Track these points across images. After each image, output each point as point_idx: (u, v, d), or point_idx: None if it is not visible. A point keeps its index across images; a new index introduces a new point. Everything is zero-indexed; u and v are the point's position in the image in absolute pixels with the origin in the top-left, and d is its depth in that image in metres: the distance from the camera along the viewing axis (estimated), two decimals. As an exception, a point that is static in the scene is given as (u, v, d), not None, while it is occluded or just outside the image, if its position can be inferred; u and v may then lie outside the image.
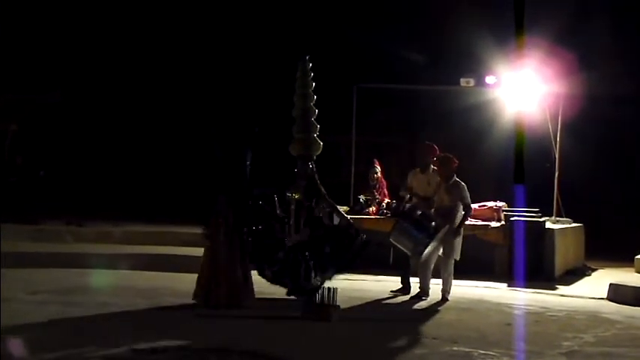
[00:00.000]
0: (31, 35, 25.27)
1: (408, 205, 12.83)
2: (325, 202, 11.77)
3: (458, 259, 12.44)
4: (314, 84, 12.13)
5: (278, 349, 8.43)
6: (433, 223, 12.06)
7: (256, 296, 11.47)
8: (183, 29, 26.65)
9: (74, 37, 25.99)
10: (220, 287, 11.09)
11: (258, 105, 24.61)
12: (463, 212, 12.41)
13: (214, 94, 25.92)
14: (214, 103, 25.77)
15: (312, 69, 12.16)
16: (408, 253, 12.34)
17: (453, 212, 12.32)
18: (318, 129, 12.08)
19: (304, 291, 11.38)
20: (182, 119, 26.08)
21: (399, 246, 12.33)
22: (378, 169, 16.47)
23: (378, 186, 16.49)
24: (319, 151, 12.08)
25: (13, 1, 23.85)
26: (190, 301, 11.26)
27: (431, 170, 12.98)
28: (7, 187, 18.27)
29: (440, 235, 12.06)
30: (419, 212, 12.20)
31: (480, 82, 17.81)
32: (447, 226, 12.14)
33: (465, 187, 12.45)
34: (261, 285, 11.68)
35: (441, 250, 12.41)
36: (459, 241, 12.41)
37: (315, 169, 11.99)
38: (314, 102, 12.12)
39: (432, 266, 12.49)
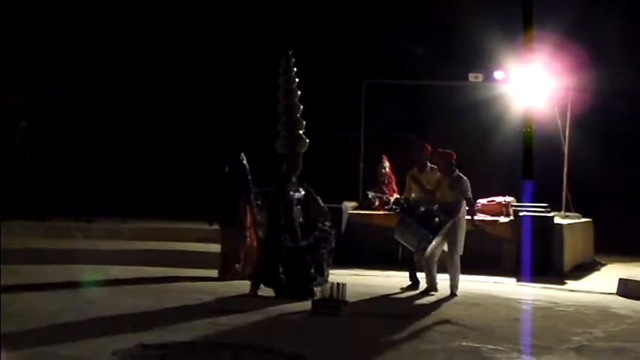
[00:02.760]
0: (43, 33, 25.36)
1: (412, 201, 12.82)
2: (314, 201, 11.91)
3: (461, 253, 12.42)
4: (297, 80, 12.09)
5: (288, 345, 8.44)
6: (437, 219, 12.06)
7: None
8: (192, 26, 26.69)
9: (85, 34, 26.08)
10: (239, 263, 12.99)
11: (267, 100, 24.68)
12: (467, 208, 12.40)
13: (223, 90, 25.96)
14: (223, 100, 25.83)
15: (295, 64, 12.14)
16: (412, 249, 12.34)
17: (456, 207, 12.29)
18: (303, 125, 12.03)
19: (304, 293, 11.37)
20: (191, 115, 26.16)
21: (403, 242, 12.34)
22: (387, 164, 16.46)
23: (386, 181, 16.49)
24: (305, 148, 12.03)
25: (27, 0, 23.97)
26: (198, 296, 11.40)
27: (429, 169, 12.90)
28: (18, 184, 18.33)
29: (443, 230, 12.05)
30: (422, 209, 12.20)
31: (489, 77, 17.81)
32: (451, 222, 12.13)
33: (467, 182, 12.42)
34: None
35: (446, 246, 12.40)
36: (462, 236, 12.39)
37: (300, 166, 12.00)
38: (298, 98, 12.08)
39: (436, 261, 12.48)
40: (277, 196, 11.78)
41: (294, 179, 11.93)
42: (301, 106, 12.08)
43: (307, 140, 12.04)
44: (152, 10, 26.81)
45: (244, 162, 12.67)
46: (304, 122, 12.08)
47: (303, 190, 11.99)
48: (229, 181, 12.91)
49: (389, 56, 25.82)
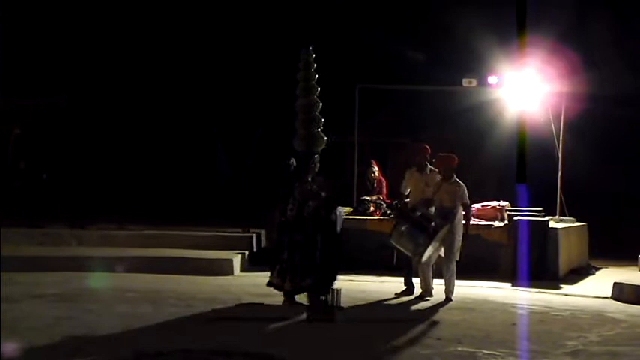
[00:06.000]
0: (36, 39, 25.34)
1: (408, 206, 12.78)
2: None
3: (458, 259, 12.44)
4: (317, 76, 11.64)
5: (283, 351, 8.44)
6: (433, 224, 12.02)
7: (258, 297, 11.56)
8: (186, 31, 26.70)
9: (80, 41, 26.06)
10: None
11: (261, 105, 24.69)
12: (463, 213, 12.43)
13: (217, 96, 25.97)
14: (218, 105, 25.84)
15: (315, 60, 11.66)
16: (409, 255, 12.30)
17: (452, 213, 12.32)
18: (322, 123, 11.60)
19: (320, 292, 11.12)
20: (185, 121, 26.15)
21: (399, 247, 12.31)
22: (376, 169, 16.48)
23: (376, 186, 16.52)
24: (323, 146, 11.62)
25: (20, 5, 23.93)
26: (194, 303, 11.39)
27: (428, 171, 12.85)
28: (12, 191, 18.31)
29: (440, 235, 12.03)
30: (418, 213, 12.17)
31: (483, 82, 17.82)
32: (447, 227, 12.13)
33: (465, 188, 12.44)
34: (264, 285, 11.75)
35: (442, 251, 12.40)
36: (459, 242, 12.41)
37: (317, 166, 11.61)
38: (317, 94, 11.64)
39: (432, 266, 12.50)
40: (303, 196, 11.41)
41: (309, 179, 11.51)
42: (320, 104, 11.60)
43: (325, 138, 11.59)
44: (146, 17, 26.81)
45: (293, 166, 12.31)
46: (322, 120, 11.62)
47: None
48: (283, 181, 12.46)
49: (382, 61, 25.85)
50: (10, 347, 8.03)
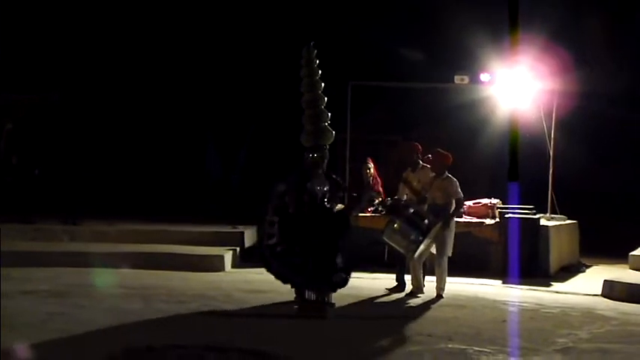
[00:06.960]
0: (30, 35, 25.29)
1: (401, 203, 12.80)
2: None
3: (450, 255, 12.47)
4: (320, 71, 11.63)
5: (275, 347, 8.45)
6: (426, 221, 12.04)
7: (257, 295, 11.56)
8: (179, 29, 26.70)
9: (73, 37, 26.02)
10: None
11: (254, 103, 24.70)
12: (454, 207, 12.47)
13: (209, 93, 25.96)
14: (210, 102, 25.83)
15: (316, 56, 11.63)
16: (402, 251, 12.32)
17: (445, 209, 12.35)
18: (329, 117, 11.52)
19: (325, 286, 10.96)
20: (177, 118, 26.16)
21: (392, 244, 12.33)
22: (371, 165, 16.48)
23: (372, 183, 16.51)
24: (331, 140, 11.48)
25: (14, 2, 23.89)
26: (186, 298, 11.39)
27: (420, 167, 12.96)
28: (4, 187, 18.27)
29: (432, 232, 12.06)
30: (411, 210, 12.19)
31: (475, 80, 17.83)
32: (440, 224, 12.16)
33: (457, 183, 12.47)
34: (264, 283, 11.75)
35: (434, 248, 12.43)
36: (451, 238, 12.44)
37: (321, 159, 11.37)
38: (322, 90, 11.59)
39: (422, 262, 12.54)
40: (300, 188, 11.14)
41: (320, 172, 11.28)
42: (325, 98, 11.52)
43: (333, 132, 11.49)
44: (140, 14, 26.78)
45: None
46: (329, 114, 11.51)
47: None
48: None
49: (375, 58, 25.85)
50: (12, 348, 8.03)
